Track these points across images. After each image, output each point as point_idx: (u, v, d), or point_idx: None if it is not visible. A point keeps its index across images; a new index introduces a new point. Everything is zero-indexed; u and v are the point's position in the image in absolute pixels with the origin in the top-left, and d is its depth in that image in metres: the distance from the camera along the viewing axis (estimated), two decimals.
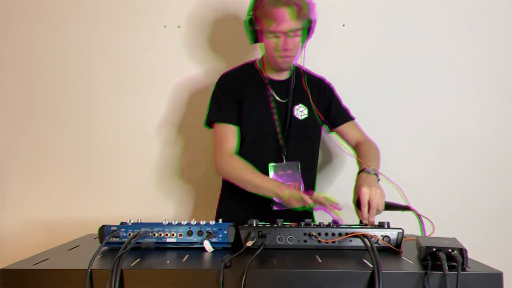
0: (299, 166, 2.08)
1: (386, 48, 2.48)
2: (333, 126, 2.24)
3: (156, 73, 2.52)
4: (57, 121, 2.53)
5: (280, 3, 1.90)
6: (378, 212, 1.76)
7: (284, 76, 2.18)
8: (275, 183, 1.91)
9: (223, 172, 2.07)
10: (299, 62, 2.16)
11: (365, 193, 1.74)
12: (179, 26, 2.51)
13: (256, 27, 2.00)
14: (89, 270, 1.23)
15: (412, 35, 2.48)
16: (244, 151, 2.10)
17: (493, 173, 2.47)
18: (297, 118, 2.14)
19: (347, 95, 2.42)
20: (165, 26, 2.51)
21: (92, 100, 2.53)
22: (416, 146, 2.48)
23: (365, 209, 1.73)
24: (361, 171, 1.93)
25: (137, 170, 2.52)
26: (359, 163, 2.01)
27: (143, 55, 2.52)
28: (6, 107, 2.55)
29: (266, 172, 2.05)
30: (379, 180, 1.91)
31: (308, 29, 2.01)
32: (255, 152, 2.09)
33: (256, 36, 2.03)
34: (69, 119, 2.53)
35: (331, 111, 2.21)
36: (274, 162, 2.08)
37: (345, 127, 2.23)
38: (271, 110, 2.11)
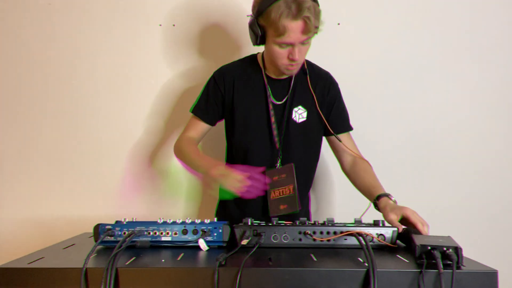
0: (294, 168, 2.01)
1: (381, 47, 2.49)
2: (327, 132, 2.13)
3: (152, 71, 2.51)
4: (51, 120, 2.53)
5: (295, 17, 1.76)
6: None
7: (283, 75, 2.08)
8: (210, 162, 1.88)
9: (175, 152, 2.12)
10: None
11: (412, 213, 1.66)
12: (174, 25, 2.50)
13: (260, 33, 1.88)
14: (84, 268, 1.23)
15: (407, 33, 2.48)
16: (238, 152, 2.10)
17: (488, 172, 2.48)
18: (294, 121, 2.06)
19: (344, 93, 2.42)
20: (160, 25, 2.51)
21: (86, 98, 2.52)
22: (411, 145, 2.49)
23: (420, 225, 1.61)
24: (381, 196, 1.84)
25: (132, 169, 2.52)
26: (373, 185, 1.94)
27: (137, 53, 2.51)
28: (1, 106, 2.54)
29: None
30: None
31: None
32: (253, 156, 2.07)
33: (259, 40, 1.91)
34: (63, 117, 2.52)
35: (331, 115, 2.11)
36: (269, 167, 2.05)
37: (343, 136, 2.12)
38: (269, 112, 2.05)
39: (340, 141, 2.09)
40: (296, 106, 2.08)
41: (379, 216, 1.67)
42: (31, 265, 1.29)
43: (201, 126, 2.12)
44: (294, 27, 1.78)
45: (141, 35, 2.51)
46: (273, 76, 2.08)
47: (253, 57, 2.15)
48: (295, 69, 1.95)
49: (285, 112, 2.06)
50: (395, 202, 1.80)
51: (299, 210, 1.98)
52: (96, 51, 2.52)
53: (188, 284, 1.24)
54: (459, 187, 2.48)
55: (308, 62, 2.14)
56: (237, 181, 1.72)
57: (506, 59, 2.47)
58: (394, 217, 1.66)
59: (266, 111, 2.06)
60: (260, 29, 1.87)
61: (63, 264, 1.31)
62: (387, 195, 1.83)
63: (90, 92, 2.52)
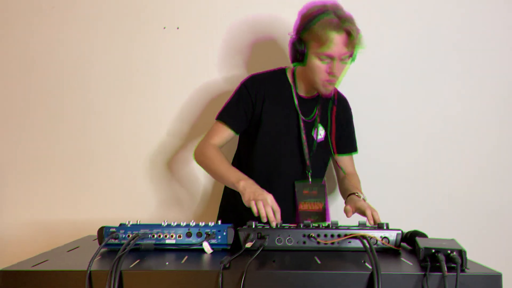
0: (326, 187, 2.09)
1: (380, 49, 2.47)
2: (338, 152, 2.20)
3: (156, 75, 2.51)
4: (56, 123, 2.53)
5: (341, 29, 1.85)
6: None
7: (312, 93, 2.13)
8: (236, 174, 1.90)
9: (197, 157, 2.10)
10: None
11: (369, 207, 1.82)
12: (178, 27, 2.51)
13: (302, 48, 1.93)
14: (89, 271, 1.23)
15: (407, 35, 2.47)
16: (262, 163, 2.11)
17: (492, 174, 2.47)
18: (315, 139, 2.12)
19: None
20: (164, 27, 2.51)
21: (91, 102, 2.52)
22: (415, 146, 2.48)
23: (369, 210, 1.79)
24: (351, 194, 1.99)
25: (137, 172, 2.52)
26: (349, 188, 2.08)
27: (141, 56, 2.51)
28: (5, 108, 2.54)
29: (290, 190, 2.08)
30: None
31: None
32: (279, 169, 2.10)
33: (299, 57, 1.96)
34: (68, 120, 2.52)
35: (342, 137, 2.19)
36: (298, 180, 2.09)
37: (346, 157, 2.24)
38: (301, 129, 2.09)
39: (344, 173, 2.19)
40: (319, 125, 2.13)
41: (383, 219, 1.66)
42: (35, 268, 1.30)
43: (227, 133, 2.09)
44: (337, 37, 1.86)
45: (145, 37, 2.51)
46: (302, 94, 2.13)
47: (283, 72, 2.17)
48: (332, 86, 2.00)
49: (313, 129, 2.12)
50: (364, 200, 1.93)
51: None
52: (99, 53, 2.52)
53: (192, 287, 1.24)
54: (464, 189, 2.47)
55: (337, 91, 2.19)
56: (266, 203, 1.69)
57: (506, 59, 2.47)
58: (348, 208, 1.83)
59: (297, 127, 2.10)
60: (303, 44, 1.93)
61: (67, 267, 1.32)
62: (356, 194, 1.97)
63: (93, 94, 2.52)
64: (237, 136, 2.17)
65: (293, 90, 2.11)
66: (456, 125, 2.47)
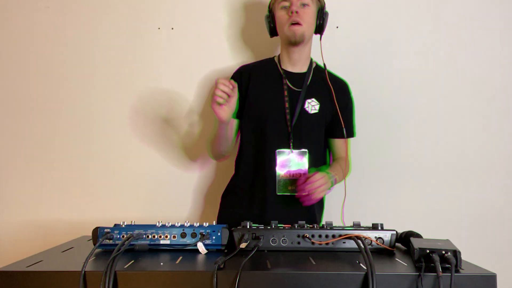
0: (307, 155, 2.11)
1: (380, 50, 2.49)
2: (330, 134, 2.23)
3: (151, 75, 2.51)
4: (51, 123, 2.52)
5: None
6: (310, 192, 1.90)
7: (300, 68, 2.21)
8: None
9: (211, 153, 2.27)
10: (319, 58, 2.24)
11: (321, 175, 1.93)
12: (172, 28, 2.51)
13: (271, 19, 2.18)
14: (83, 272, 1.23)
15: (406, 37, 2.49)
16: (254, 135, 2.17)
17: (488, 175, 2.47)
18: (306, 111, 2.15)
19: None
20: (159, 28, 2.51)
21: (86, 102, 2.52)
22: (409, 147, 2.48)
23: (305, 179, 1.93)
24: (327, 172, 2.04)
25: (131, 172, 2.52)
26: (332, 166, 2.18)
27: (136, 56, 2.51)
28: (3, 108, 2.53)
29: (274, 157, 2.11)
30: (331, 188, 2.06)
31: (320, 18, 2.16)
32: (268, 138, 2.14)
33: (274, 28, 2.19)
34: (63, 120, 2.52)
35: (340, 120, 2.17)
36: (282, 148, 2.12)
37: (341, 141, 2.23)
38: (284, 98, 2.14)
39: (331, 146, 2.26)
40: (310, 97, 2.17)
41: (377, 219, 1.66)
42: (29, 268, 1.29)
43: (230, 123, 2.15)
44: None
45: (139, 38, 2.51)
46: (291, 70, 2.21)
47: (270, 58, 2.31)
48: (297, 29, 2.09)
49: (298, 99, 2.15)
50: (333, 179, 2.04)
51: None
52: (94, 54, 2.52)
53: (187, 287, 1.24)
54: (458, 189, 2.47)
55: (328, 70, 2.24)
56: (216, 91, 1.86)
57: (505, 59, 2.47)
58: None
59: (281, 96, 2.16)
60: (272, 13, 2.17)
61: (61, 268, 1.31)
62: (328, 173, 2.01)
63: (89, 94, 2.52)
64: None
65: (278, 65, 2.23)
66: (452, 125, 2.48)
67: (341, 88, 2.23)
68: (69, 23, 2.52)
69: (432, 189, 2.47)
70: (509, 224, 2.47)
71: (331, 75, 2.24)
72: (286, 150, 2.11)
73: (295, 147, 2.11)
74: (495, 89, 2.48)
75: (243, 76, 2.21)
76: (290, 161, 2.10)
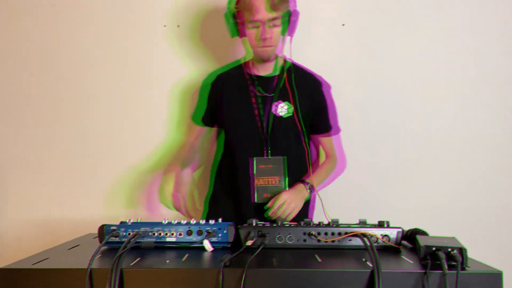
0: (284, 161, 2.12)
1: (386, 48, 2.48)
2: (313, 132, 2.25)
3: (155, 73, 2.51)
4: (55, 121, 2.53)
5: None
6: (280, 217, 1.97)
7: (269, 71, 2.20)
8: (166, 168, 2.11)
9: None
10: (287, 55, 2.19)
11: (283, 198, 1.99)
12: (178, 26, 2.51)
13: (237, 20, 2.08)
14: (89, 269, 1.23)
15: (412, 35, 2.48)
16: (230, 147, 2.18)
17: (494, 173, 2.47)
18: (279, 115, 2.14)
19: (346, 94, 2.42)
20: (165, 26, 2.51)
21: (90, 100, 2.52)
22: (415, 145, 2.48)
23: (272, 205, 1.98)
24: (301, 181, 2.11)
25: (137, 169, 2.52)
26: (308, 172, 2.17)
27: (141, 54, 2.51)
28: (5, 108, 2.54)
29: (249, 165, 2.12)
30: (310, 194, 2.11)
31: (288, 21, 2.07)
32: (240, 147, 2.15)
33: (237, 30, 2.11)
34: (67, 119, 2.52)
35: (316, 117, 2.22)
36: (258, 156, 2.13)
37: (324, 138, 2.27)
38: (253, 105, 2.15)
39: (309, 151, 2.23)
40: (280, 101, 2.16)
41: (384, 216, 1.66)
42: (35, 266, 1.29)
43: (197, 130, 2.28)
44: (259, 3, 1.97)
45: (145, 35, 2.51)
46: (258, 73, 2.20)
47: (237, 61, 2.32)
48: (268, 51, 2.07)
49: (270, 104, 2.15)
50: (310, 190, 2.09)
51: None
52: (100, 52, 2.52)
53: (193, 285, 1.24)
54: (464, 187, 2.47)
55: (295, 65, 2.22)
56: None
57: (505, 59, 2.47)
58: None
59: (250, 104, 2.16)
60: (236, 17, 2.08)
61: (68, 265, 1.31)
62: (303, 182, 2.09)
63: (94, 93, 2.52)
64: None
65: (245, 70, 2.22)
66: (459, 124, 2.47)
67: (313, 86, 2.22)
68: (74, 21, 2.52)
69: (438, 186, 2.47)
70: None
71: (303, 73, 2.23)
72: (262, 158, 2.12)
73: (272, 154, 2.13)
74: (500, 87, 2.47)
75: (217, 87, 2.23)
76: (267, 169, 2.11)
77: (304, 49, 2.38)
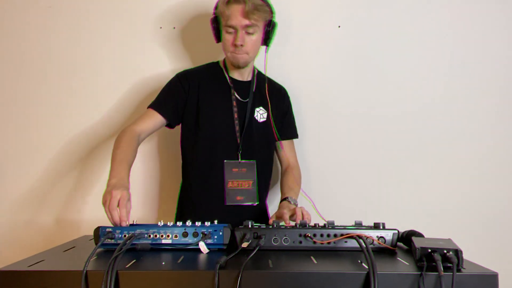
0: (255, 166, 2.17)
1: (382, 49, 2.49)
2: (282, 137, 2.32)
3: (152, 74, 2.51)
4: (51, 123, 2.52)
5: (236, 1, 2.00)
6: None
7: (246, 77, 2.25)
8: (116, 172, 1.82)
9: (115, 142, 2.01)
10: (262, 68, 2.25)
11: (296, 208, 1.90)
12: (174, 27, 2.51)
13: (216, 25, 2.12)
14: (84, 271, 1.23)
15: (408, 37, 2.48)
16: (203, 147, 2.16)
17: (489, 175, 2.47)
18: (256, 120, 2.22)
19: (342, 95, 2.43)
20: (161, 27, 2.51)
21: (87, 101, 2.52)
22: (411, 147, 2.48)
23: (299, 211, 1.87)
24: (284, 199, 2.10)
25: (132, 172, 2.51)
26: (284, 190, 2.21)
27: (138, 55, 2.51)
28: (3, 107, 2.54)
29: (222, 167, 2.14)
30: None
31: (266, 32, 2.10)
32: (212, 149, 2.16)
33: (216, 34, 2.14)
34: (63, 120, 2.52)
35: (284, 122, 2.32)
36: (229, 160, 2.15)
37: (286, 143, 2.34)
38: (234, 108, 2.18)
39: (279, 150, 2.34)
40: (258, 106, 2.24)
41: (379, 218, 1.66)
42: (31, 268, 1.29)
43: (157, 120, 2.12)
44: (234, 9, 2.00)
45: (141, 37, 2.51)
46: (235, 77, 2.23)
47: (215, 63, 2.30)
48: (240, 56, 2.09)
49: (247, 109, 2.20)
50: (295, 204, 2.07)
51: (257, 204, 2.18)
52: (96, 53, 2.52)
53: (188, 287, 1.24)
54: (460, 189, 2.47)
55: (268, 77, 2.29)
56: (113, 207, 1.61)
57: (505, 59, 2.47)
58: (283, 211, 1.89)
59: (230, 108, 2.19)
60: (216, 22, 2.12)
61: (63, 267, 1.31)
62: (287, 199, 2.08)
63: (91, 94, 2.52)
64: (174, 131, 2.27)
65: (225, 73, 2.23)
66: (454, 125, 2.48)
67: (281, 93, 2.34)
68: (70, 23, 2.52)
69: (434, 188, 2.48)
70: (511, 224, 2.47)
71: (271, 82, 2.32)
72: (234, 161, 2.15)
73: (243, 157, 2.16)
74: (499, 89, 2.48)
75: (192, 83, 2.18)
76: (240, 172, 2.15)
77: (300, 50, 2.39)
